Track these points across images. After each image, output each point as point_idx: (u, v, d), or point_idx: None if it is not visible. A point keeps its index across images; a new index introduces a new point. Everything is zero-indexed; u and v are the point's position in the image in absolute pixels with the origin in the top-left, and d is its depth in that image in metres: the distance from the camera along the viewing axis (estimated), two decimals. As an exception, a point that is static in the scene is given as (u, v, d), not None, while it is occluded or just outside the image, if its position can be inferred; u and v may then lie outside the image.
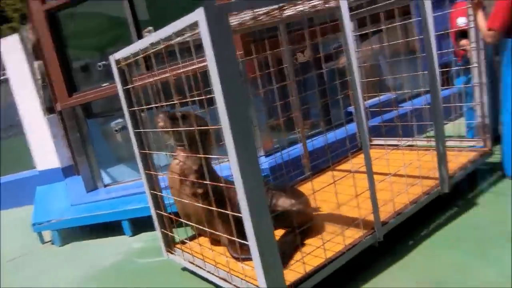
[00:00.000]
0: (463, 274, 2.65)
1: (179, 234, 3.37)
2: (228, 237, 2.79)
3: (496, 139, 4.03)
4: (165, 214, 3.31)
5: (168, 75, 2.61)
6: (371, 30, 4.32)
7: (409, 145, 4.19)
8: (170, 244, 3.40)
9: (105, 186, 5.59)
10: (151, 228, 4.57)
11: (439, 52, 3.25)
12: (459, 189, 3.66)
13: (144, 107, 3.12)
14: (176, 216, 3.20)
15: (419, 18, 3.15)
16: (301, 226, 2.79)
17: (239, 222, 2.38)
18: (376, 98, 4.81)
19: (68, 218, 4.89)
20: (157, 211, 3.34)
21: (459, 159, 3.70)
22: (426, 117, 3.88)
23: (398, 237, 3.13)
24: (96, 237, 4.89)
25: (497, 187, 3.70)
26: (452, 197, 3.55)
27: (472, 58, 3.87)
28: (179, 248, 3.33)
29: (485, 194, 3.62)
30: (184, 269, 3.49)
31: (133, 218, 4.60)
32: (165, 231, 3.37)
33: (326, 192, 3.06)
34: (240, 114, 2.12)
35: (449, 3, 4.07)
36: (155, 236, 4.35)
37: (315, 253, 2.70)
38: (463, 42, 4.26)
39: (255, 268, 2.30)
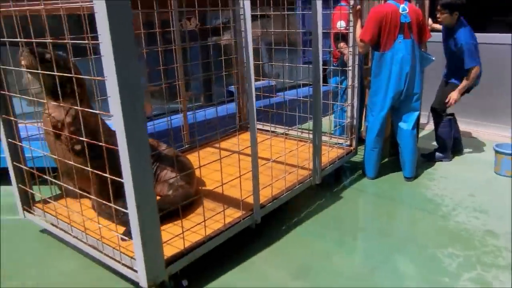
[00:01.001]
0: (327, 261, 2.86)
1: (42, 192, 2.97)
2: (102, 201, 2.55)
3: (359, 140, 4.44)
4: (25, 167, 2.90)
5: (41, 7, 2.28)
6: (259, 13, 4.35)
7: (283, 133, 4.34)
8: (29, 202, 3.01)
9: None
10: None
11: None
12: (326, 182, 3.94)
13: (6, 39, 2.65)
14: (38, 172, 2.82)
15: (304, 12, 3.20)
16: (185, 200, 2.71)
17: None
18: (259, 82, 4.95)
19: None
20: (15, 163, 2.91)
21: (329, 154, 3.96)
22: (301, 109, 4.07)
23: (271, 221, 3.24)
24: None
25: (358, 184, 4.07)
26: (321, 189, 3.81)
27: (348, 61, 4.15)
28: (39, 208, 2.96)
29: (348, 190, 3.96)
30: (43, 231, 3.13)
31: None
32: (23, 187, 2.96)
33: (206, 168, 3.01)
34: (130, 67, 1.85)
35: (332, 5, 4.27)
36: (6, 191, 3.86)
37: (193, 229, 2.64)
38: (342, 44, 4.56)
39: (133, 239, 2.15)
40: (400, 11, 3.66)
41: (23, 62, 2.60)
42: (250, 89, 2.60)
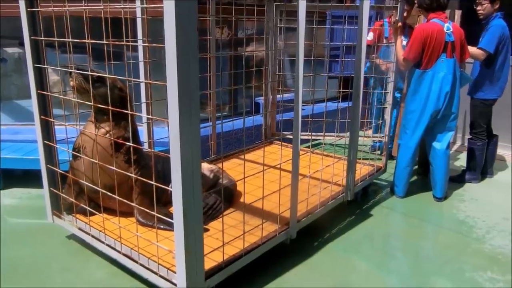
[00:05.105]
0: (363, 280, 2.77)
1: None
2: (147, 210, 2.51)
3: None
4: (60, 171, 2.85)
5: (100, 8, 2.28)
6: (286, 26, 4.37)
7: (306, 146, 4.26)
8: (59, 206, 2.94)
9: (-33, 124, 4.68)
10: (25, 184, 4.00)
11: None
12: (355, 199, 3.85)
13: (55, 39, 2.60)
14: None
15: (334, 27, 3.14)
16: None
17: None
18: (288, 94, 4.93)
19: None
20: (48, 166, 2.87)
21: (361, 170, 3.88)
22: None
23: (303, 236, 3.15)
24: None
25: (387, 203, 3.98)
26: (350, 205, 3.73)
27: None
28: (70, 214, 2.90)
29: (377, 208, 3.87)
30: (70, 237, 3.07)
31: (5, 169, 3.91)
32: (55, 191, 2.90)
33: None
34: (191, 72, 1.81)
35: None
36: (31, 194, 3.85)
37: (230, 242, 2.55)
38: (374, 56, 4.60)
39: (175, 250, 2.08)
40: (445, 30, 3.60)
41: (71, 84, 2.61)
42: (298, 101, 2.53)
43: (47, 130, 2.81)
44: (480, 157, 4.39)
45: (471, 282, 2.78)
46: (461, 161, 5.10)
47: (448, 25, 3.64)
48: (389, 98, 4.09)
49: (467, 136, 4.71)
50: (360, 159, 3.85)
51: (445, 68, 3.64)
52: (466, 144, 4.98)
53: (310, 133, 3.70)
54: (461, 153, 5.44)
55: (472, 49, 3.98)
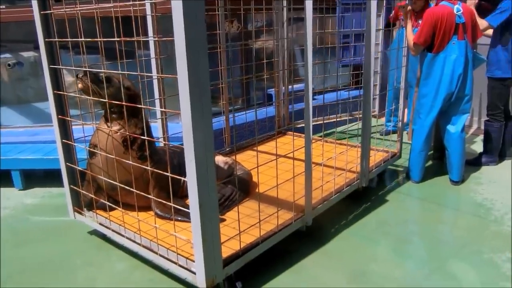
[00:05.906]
0: (380, 265, 2.79)
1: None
2: (164, 202, 2.58)
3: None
4: (79, 168, 2.93)
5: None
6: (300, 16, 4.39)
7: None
8: (80, 203, 3.02)
9: (-12, 128, 4.82)
10: (46, 183, 4.11)
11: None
12: (370, 185, 3.86)
13: (68, 39, 2.66)
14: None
15: (344, 14, 3.18)
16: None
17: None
18: (299, 85, 4.96)
19: None
20: (68, 164, 2.95)
21: (375, 157, 3.89)
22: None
23: (319, 223, 3.18)
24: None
25: (402, 188, 3.98)
26: (366, 192, 3.74)
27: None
28: (90, 210, 2.97)
29: (393, 193, 3.87)
30: (92, 232, 3.15)
31: (26, 169, 4.02)
32: (75, 188, 2.98)
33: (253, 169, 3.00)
34: (201, 65, 1.86)
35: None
36: (52, 193, 3.95)
37: (246, 230, 2.60)
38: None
39: (193, 239, 2.13)
40: (455, 12, 3.57)
41: (79, 86, 2.65)
42: (308, 90, 2.55)
43: (65, 130, 2.88)
44: (497, 139, 4.34)
45: (489, 263, 2.78)
46: (478, 145, 5.05)
47: (458, 6, 3.61)
48: (402, 83, 4.07)
49: (484, 119, 4.66)
50: (374, 138, 3.83)
51: (457, 50, 3.61)
52: (482, 127, 4.95)
53: (322, 118, 3.71)
54: (478, 136, 5.39)
55: (480, 20, 3.94)
